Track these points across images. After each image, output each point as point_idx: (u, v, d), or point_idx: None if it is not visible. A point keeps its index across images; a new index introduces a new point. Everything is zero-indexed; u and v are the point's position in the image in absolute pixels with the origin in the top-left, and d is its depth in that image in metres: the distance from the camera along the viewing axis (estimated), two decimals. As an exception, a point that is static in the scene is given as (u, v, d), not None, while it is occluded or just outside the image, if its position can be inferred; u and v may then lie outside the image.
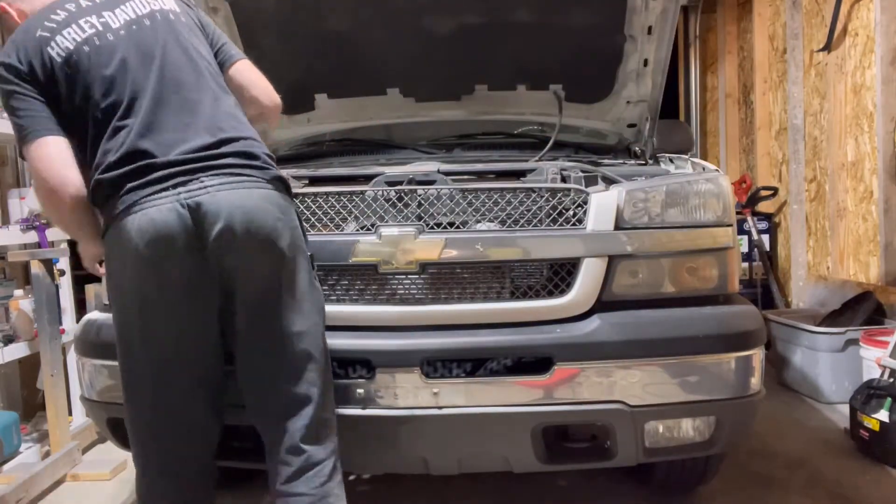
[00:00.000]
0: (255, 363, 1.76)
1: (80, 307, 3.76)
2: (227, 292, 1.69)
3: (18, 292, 3.42)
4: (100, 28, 1.72)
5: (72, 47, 1.69)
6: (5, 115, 3.30)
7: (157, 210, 1.60)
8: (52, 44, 1.69)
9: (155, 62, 1.71)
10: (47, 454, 3.18)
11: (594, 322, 1.96)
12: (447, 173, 2.17)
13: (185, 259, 1.62)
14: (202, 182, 1.62)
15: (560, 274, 2.00)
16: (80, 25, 1.72)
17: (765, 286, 5.09)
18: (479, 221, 2.04)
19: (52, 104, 1.71)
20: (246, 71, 1.90)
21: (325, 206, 2.05)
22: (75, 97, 1.70)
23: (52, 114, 1.71)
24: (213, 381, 1.78)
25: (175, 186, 1.62)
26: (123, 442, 2.18)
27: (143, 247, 1.61)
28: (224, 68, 1.88)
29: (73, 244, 3.59)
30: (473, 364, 1.97)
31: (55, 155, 1.69)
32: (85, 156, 1.71)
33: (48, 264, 3.13)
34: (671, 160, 2.75)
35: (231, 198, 1.63)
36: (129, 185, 1.64)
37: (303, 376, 1.74)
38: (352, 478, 2.80)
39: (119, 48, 1.71)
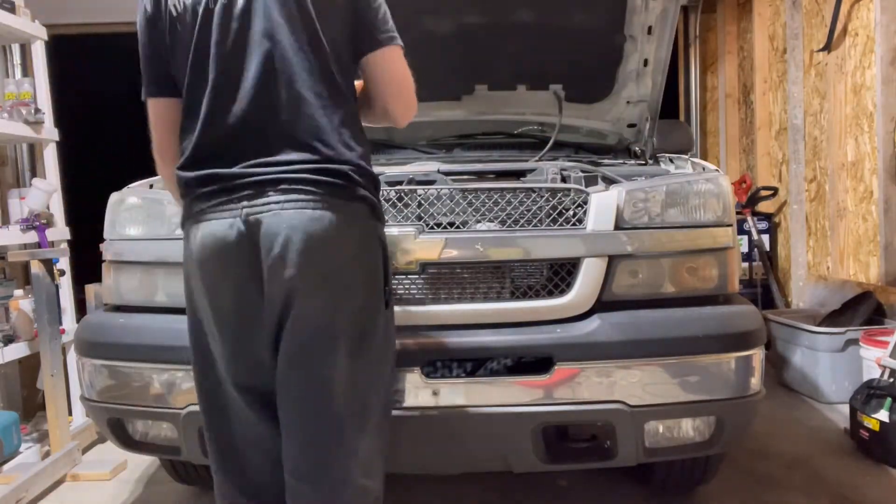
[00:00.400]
0: (286, 412, 1.55)
1: (80, 307, 3.76)
2: (278, 320, 1.50)
3: (18, 292, 3.42)
4: None
5: (188, 2, 1.52)
6: (5, 115, 3.33)
7: (219, 224, 1.48)
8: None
9: (258, 51, 1.48)
10: (47, 454, 3.18)
11: (594, 322, 1.96)
12: (447, 173, 2.17)
13: (240, 277, 1.49)
14: (268, 197, 1.45)
15: (560, 274, 2.00)
16: None
17: (765, 286, 5.09)
18: (479, 221, 2.04)
19: (167, 55, 1.57)
20: (383, 63, 1.59)
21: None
22: (176, 59, 1.55)
23: (167, 66, 1.57)
24: (270, 405, 1.58)
25: (240, 199, 1.46)
26: (123, 442, 2.19)
27: (202, 261, 1.51)
28: (360, 56, 1.59)
29: (73, 244, 3.61)
30: (473, 364, 1.97)
31: (158, 119, 1.63)
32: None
33: (48, 264, 3.13)
34: (671, 160, 2.75)
35: (294, 220, 1.44)
36: (200, 191, 1.52)
37: (336, 439, 1.51)
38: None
39: (224, 22, 1.49)
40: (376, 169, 1.63)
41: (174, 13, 1.53)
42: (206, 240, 1.50)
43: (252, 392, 1.59)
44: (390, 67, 1.61)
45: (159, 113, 1.63)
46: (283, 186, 1.46)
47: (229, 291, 1.52)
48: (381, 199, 1.68)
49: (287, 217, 1.44)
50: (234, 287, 1.51)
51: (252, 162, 1.48)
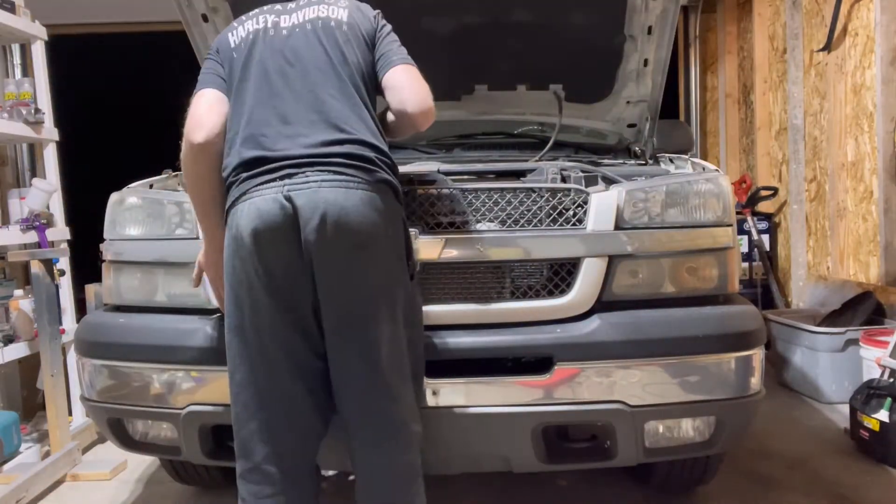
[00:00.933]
0: (340, 370, 1.74)
1: (80, 307, 3.76)
2: (318, 290, 1.69)
3: (18, 292, 3.42)
4: (269, 25, 1.86)
5: (243, 34, 1.88)
6: (5, 115, 3.33)
7: (263, 199, 1.65)
8: (233, 31, 1.90)
9: (298, 63, 1.79)
10: (47, 454, 3.18)
11: (594, 322, 1.96)
12: (447, 173, 2.17)
13: (284, 249, 1.65)
14: (307, 176, 1.65)
15: (560, 274, 2.00)
16: (257, 20, 1.89)
17: (765, 286, 5.09)
18: (479, 221, 2.04)
19: (224, 75, 1.87)
20: (398, 74, 1.86)
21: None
22: (234, 76, 1.84)
23: (223, 80, 1.87)
24: (314, 376, 1.76)
25: (281, 178, 1.66)
26: (123, 442, 2.19)
27: (247, 234, 1.65)
28: (380, 76, 1.88)
29: (73, 244, 3.61)
30: (474, 364, 1.97)
31: (204, 100, 1.83)
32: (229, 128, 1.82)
33: (48, 264, 3.13)
34: (671, 160, 2.75)
35: (330, 195, 1.64)
36: (244, 175, 1.71)
37: (386, 394, 1.73)
38: (351, 477, 2.80)
39: (275, 45, 1.83)
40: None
41: (232, 44, 1.89)
42: (252, 214, 1.65)
43: (294, 358, 1.72)
44: (402, 76, 1.85)
45: (210, 97, 1.85)
46: (319, 168, 1.66)
47: (274, 261, 1.66)
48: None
49: (324, 193, 1.63)
50: (278, 257, 1.66)
51: (291, 144, 1.70)
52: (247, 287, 1.69)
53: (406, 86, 1.83)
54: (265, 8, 1.94)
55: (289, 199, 1.63)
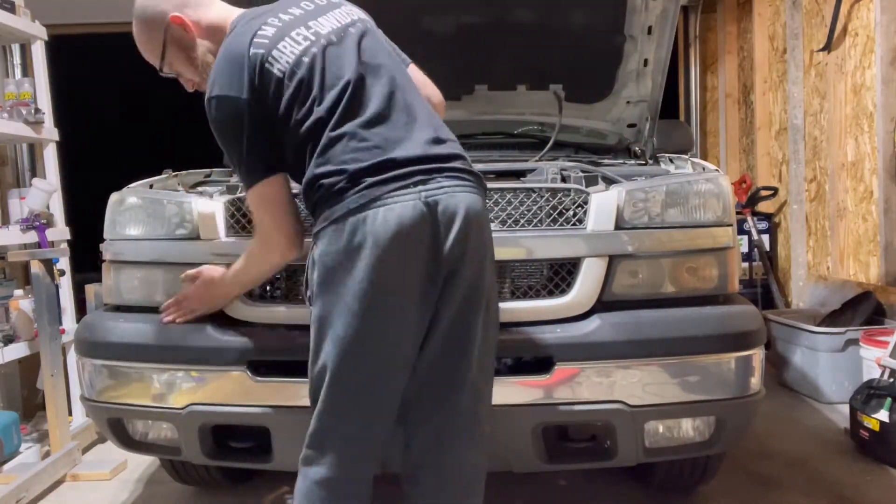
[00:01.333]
0: (434, 369, 1.70)
1: (80, 307, 3.76)
2: (445, 293, 1.66)
3: (18, 292, 3.42)
4: (312, 38, 1.70)
5: (291, 60, 1.66)
6: (5, 115, 3.33)
7: (402, 206, 1.58)
8: (270, 59, 1.65)
9: (381, 69, 1.73)
10: (47, 454, 3.18)
11: (594, 322, 1.96)
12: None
13: (423, 257, 1.60)
14: (440, 182, 1.62)
15: (560, 274, 2.00)
16: (294, 38, 1.69)
17: (765, 286, 5.09)
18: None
19: (269, 126, 1.68)
20: (417, 72, 1.91)
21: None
22: (294, 109, 1.66)
23: (272, 141, 1.69)
24: (402, 385, 1.70)
25: (416, 185, 1.60)
26: (123, 442, 2.19)
27: (385, 241, 1.56)
28: None
29: (73, 244, 3.61)
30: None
31: (280, 199, 1.73)
32: (295, 173, 1.72)
33: (48, 264, 3.13)
34: (671, 160, 2.75)
35: (467, 200, 1.64)
36: (369, 181, 1.59)
37: (473, 392, 1.72)
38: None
39: (340, 55, 1.70)
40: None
41: (279, 75, 1.65)
42: (390, 220, 1.57)
43: (398, 374, 1.67)
44: (420, 73, 1.94)
45: (284, 192, 1.74)
46: (447, 174, 1.65)
47: (412, 270, 1.61)
48: None
49: (462, 199, 1.63)
50: (417, 265, 1.61)
51: (413, 150, 1.65)
52: (370, 297, 1.58)
53: (428, 81, 1.93)
54: (278, 21, 1.72)
55: (427, 204, 1.59)
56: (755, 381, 2.00)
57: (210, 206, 2.11)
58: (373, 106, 1.66)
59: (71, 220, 3.64)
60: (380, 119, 1.66)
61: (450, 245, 1.61)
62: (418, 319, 1.65)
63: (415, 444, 1.75)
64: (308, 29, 1.72)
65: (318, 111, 1.64)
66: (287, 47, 1.67)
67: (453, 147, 1.72)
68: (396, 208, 1.58)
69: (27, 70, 3.82)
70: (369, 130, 1.64)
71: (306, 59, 1.67)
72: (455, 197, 1.62)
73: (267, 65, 1.65)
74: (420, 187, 1.60)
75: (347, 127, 1.63)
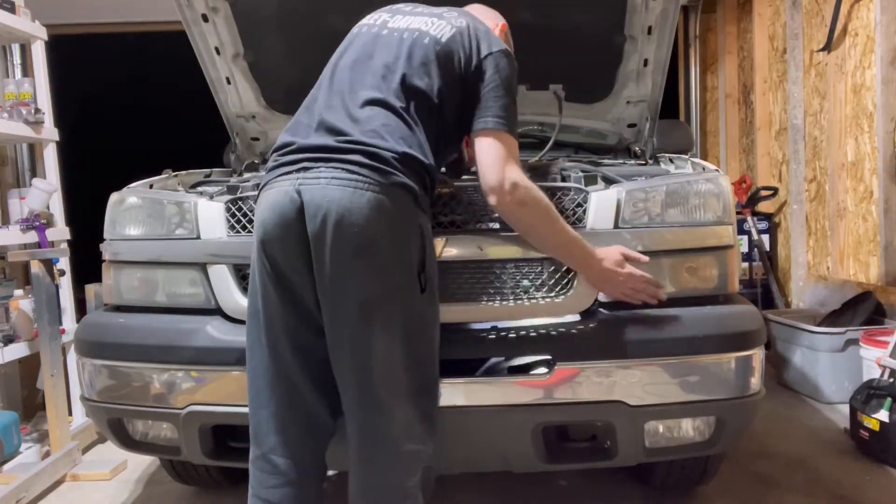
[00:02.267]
0: (336, 373, 1.70)
1: (80, 307, 3.76)
2: (317, 290, 1.65)
3: (18, 292, 3.42)
4: (378, 22, 1.87)
5: (355, 29, 1.91)
6: (5, 115, 3.33)
7: (277, 192, 1.64)
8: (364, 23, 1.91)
9: (369, 61, 1.78)
10: (47, 454, 3.18)
11: (594, 322, 1.96)
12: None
13: (291, 244, 1.62)
14: (320, 172, 1.62)
15: (560, 273, 2.00)
16: (373, 16, 1.92)
17: (765, 286, 5.09)
18: (479, 220, 2.04)
19: None
20: (478, 144, 1.78)
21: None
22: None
23: None
24: (321, 371, 1.71)
25: (298, 171, 1.64)
26: (123, 442, 2.19)
27: (262, 224, 1.65)
28: (469, 131, 1.81)
29: (73, 244, 3.61)
30: (473, 364, 1.97)
31: None
32: None
33: (48, 264, 3.13)
34: (671, 160, 2.75)
35: (336, 194, 1.59)
36: (271, 164, 1.72)
37: (374, 408, 1.66)
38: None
39: (367, 39, 1.83)
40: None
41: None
42: (265, 205, 1.65)
43: (302, 352, 1.70)
44: (482, 147, 1.80)
45: None
46: (333, 163, 1.61)
47: (280, 252, 1.64)
48: (430, 192, 1.79)
49: (331, 192, 1.58)
50: (284, 250, 1.63)
51: (315, 139, 1.68)
52: (261, 275, 1.69)
53: (481, 160, 1.77)
54: (392, 7, 1.94)
55: (299, 193, 1.60)
56: (755, 381, 2.00)
57: (210, 206, 2.11)
58: (330, 94, 1.76)
59: (71, 221, 3.64)
60: (311, 103, 1.78)
61: (311, 238, 1.60)
62: (299, 307, 1.67)
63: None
64: (388, 15, 1.91)
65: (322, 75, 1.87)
66: (366, 19, 1.94)
67: (370, 147, 1.63)
68: (272, 193, 1.65)
69: (27, 70, 3.82)
70: (303, 113, 1.78)
71: (356, 30, 1.93)
72: (325, 190, 1.59)
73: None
74: (299, 175, 1.62)
75: (304, 104, 1.81)
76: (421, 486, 1.74)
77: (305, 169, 1.63)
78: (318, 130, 1.69)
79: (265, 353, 1.72)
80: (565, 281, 1.99)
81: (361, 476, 1.71)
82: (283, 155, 1.70)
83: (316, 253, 1.60)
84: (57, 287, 3.24)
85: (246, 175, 2.86)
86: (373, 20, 1.90)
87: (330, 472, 1.94)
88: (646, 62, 2.79)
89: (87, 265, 3.31)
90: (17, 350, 3.24)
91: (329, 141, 1.66)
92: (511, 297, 2.00)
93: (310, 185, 1.60)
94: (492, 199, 1.77)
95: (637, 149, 3.03)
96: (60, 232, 3.50)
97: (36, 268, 3.09)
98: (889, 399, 2.96)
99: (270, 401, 1.73)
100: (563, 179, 2.21)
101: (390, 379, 1.66)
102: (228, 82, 2.85)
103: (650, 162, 2.88)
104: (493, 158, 1.75)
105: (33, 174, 3.93)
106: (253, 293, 1.73)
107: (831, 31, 4.20)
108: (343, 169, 1.61)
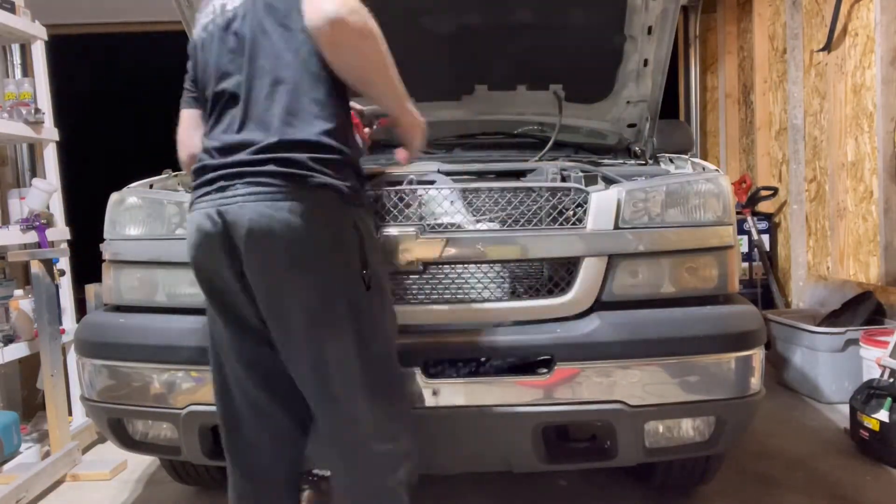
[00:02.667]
0: (295, 380, 1.67)
1: (80, 307, 3.76)
2: (259, 304, 1.61)
3: (18, 292, 3.42)
4: (218, 11, 1.71)
5: (197, 32, 1.76)
6: (5, 115, 3.33)
7: (199, 214, 1.60)
8: (196, 29, 1.78)
9: (240, 51, 1.63)
10: (47, 454, 3.18)
11: (594, 322, 1.96)
12: (447, 173, 2.17)
13: (226, 265, 1.59)
14: (236, 190, 1.55)
15: (560, 273, 2.00)
16: (206, 11, 1.75)
17: (765, 286, 5.09)
18: (479, 221, 2.04)
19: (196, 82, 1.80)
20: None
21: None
22: (198, 79, 1.78)
23: (195, 91, 1.81)
24: (280, 383, 1.68)
25: (216, 191, 1.57)
26: (123, 442, 2.19)
27: (191, 247, 1.64)
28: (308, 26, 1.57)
29: (73, 244, 3.61)
30: (474, 364, 1.97)
31: (182, 122, 1.83)
32: None
33: (48, 264, 3.13)
34: (671, 160, 2.75)
35: (256, 210, 1.51)
36: (193, 183, 1.67)
37: (339, 414, 1.64)
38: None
39: (216, 34, 1.69)
40: (377, 169, 1.65)
41: (192, 45, 1.79)
42: (192, 228, 1.62)
43: (257, 368, 1.68)
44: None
45: (186, 118, 1.85)
46: (248, 179, 1.54)
47: (211, 273, 1.62)
48: (360, 182, 1.68)
49: (250, 208, 1.52)
50: (215, 270, 1.61)
51: (227, 153, 1.59)
52: (206, 296, 1.69)
53: None
54: None
55: (220, 214, 1.54)
56: (755, 381, 2.00)
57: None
58: (221, 100, 1.66)
59: (71, 221, 3.64)
60: (221, 114, 1.66)
61: (243, 259, 1.55)
62: (245, 324, 1.64)
63: None
64: (219, 1, 1.74)
65: (204, 89, 1.78)
66: (201, 19, 1.79)
67: (281, 151, 1.54)
68: (196, 217, 1.61)
69: (27, 70, 3.82)
70: (211, 127, 1.68)
71: (203, 34, 1.78)
72: (244, 208, 1.52)
73: (194, 35, 1.84)
74: (218, 195, 1.56)
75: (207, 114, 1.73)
76: (406, 484, 1.72)
77: (222, 189, 1.56)
78: (224, 144, 1.61)
79: (222, 377, 1.73)
80: (565, 281, 1.99)
81: (341, 481, 1.71)
82: (200, 174, 1.64)
83: (249, 272, 1.56)
84: (57, 287, 3.24)
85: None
86: (208, 18, 1.74)
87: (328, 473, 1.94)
88: (646, 62, 2.80)
89: (87, 265, 3.30)
90: (17, 350, 3.23)
91: (241, 156, 1.56)
92: (511, 298, 2.00)
93: (229, 206, 1.54)
94: (324, 31, 1.51)
95: (637, 149, 3.03)
96: (60, 232, 3.50)
97: (36, 268, 3.09)
98: (889, 399, 2.96)
99: (234, 426, 1.73)
100: (563, 179, 2.21)
101: (349, 385, 1.62)
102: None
103: (650, 162, 2.88)
104: None
105: (33, 174, 3.93)
106: (209, 314, 1.75)
107: (831, 31, 4.20)
108: (258, 183, 1.53)
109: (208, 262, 1.61)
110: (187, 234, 1.65)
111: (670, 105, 6.05)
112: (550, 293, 2.00)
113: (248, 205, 1.52)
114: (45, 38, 3.59)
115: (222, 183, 1.57)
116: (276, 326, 1.60)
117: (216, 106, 1.67)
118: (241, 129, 1.60)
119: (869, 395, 3.07)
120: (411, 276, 1.99)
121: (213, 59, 1.68)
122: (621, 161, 2.94)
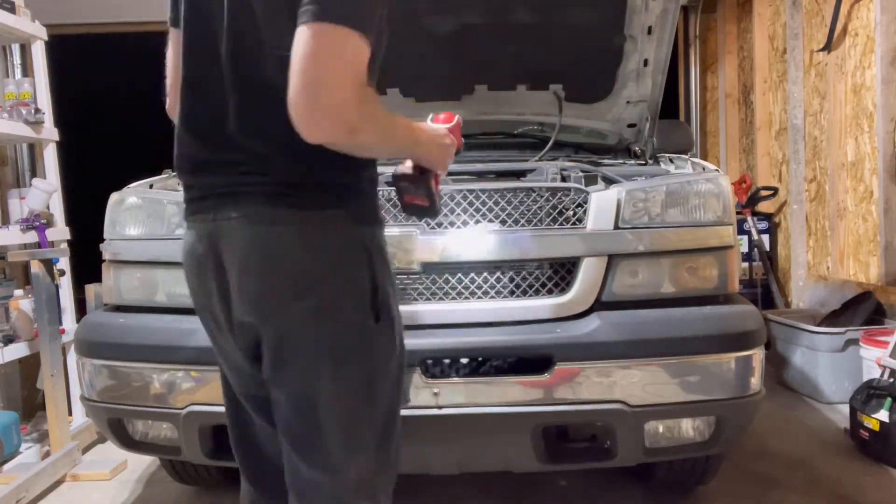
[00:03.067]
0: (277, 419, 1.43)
1: (80, 307, 3.76)
2: (251, 335, 1.40)
3: (18, 292, 3.42)
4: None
5: (179, 8, 1.43)
6: (5, 115, 3.33)
7: (191, 234, 1.42)
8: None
9: (209, 33, 1.34)
10: (47, 454, 3.18)
11: (594, 321, 1.96)
12: (447, 173, 2.17)
13: (211, 290, 1.40)
14: (231, 210, 1.32)
15: (560, 273, 2.00)
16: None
17: (765, 286, 5.09)
18: (479, 221, 2.04)
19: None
20: (298, 42, 1.16)
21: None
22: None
23: None
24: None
25: (209, 210, 1.35)
26: (123, 442, 2.19)
27: (186, 266, 1.46)
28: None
29: (73, 244, 3.61)
30: (474, 364, 1.97)
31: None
32: None
33: (48, 264, 3.13)
34: (671, 160, 2.75)
35: (248, 234, 1.31)
36: (184, 198, 1.45)
37: (321, 462, 1.37)
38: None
39: (193, 15, 1.38)
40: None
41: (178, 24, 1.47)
42: (186, 247, 1.44)
43: (255, 399, 1.51)
44: (302, 42, 1.16)
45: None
46: (244, 198, 1.31)
47: (206, 293, 1.43)
48: (376, 195, 1.47)
49: (247, 233, 1.31)
50: (208, 291, 1.41)
51: (215, 168, 1.36)
52: (198, 310, 1.51)
53: (297, 60, 1.14)
54: None
55: (212, 234, 1.35)
56: (755, 381, 2.00)
57: (210, 205, 2.11)
58: (191, 97, 1.40)
59: (71, 221, 3.64)
60: (195, 120, 1.39)
61: (233, 283, 1.35)
62: (237, 344, 1.43)
63: None
64: None
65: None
66: None
67: (278, 170, 1.30)
68: (188, 236, 1.43)
69: (27, 70, 3.82)
70: (185, 129, 1.40)
71: (183, 11, 1.44)
72: (240, 231, 1.31)
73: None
74: (213, 213, 1.34)
75: (179, 115, 1.43)
76: None
77: (216, 207, 1.34)
78: (205, 158, 1.38)
79: (228, 385, 1.57)
80: (565, 281, 1.99)
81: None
82: (189, 190, 1.43)
83: (238, 301, 1.36)
84: (57, 287, 3.24)
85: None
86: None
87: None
88: (646, 62, 2.80)
89: (87, 265, 3.31)
90: (17, 350, 3.23)
91: (229, 175, 1.34)
92: (511, 298, 2.00)
93: (223, 226, 1.33)
94: (294, 112, 1.17)
95: (637, 149, 3.04)
96: (60, 232, 3.50)
97: (36, 268, 3.08)
98: (889, 399, 2.96)
99: (238, 438, 1.61)
100: (563, 179, 2.22)
101: (347, 433, 1.37)
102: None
103: (650, 162, 2.88)
104: (310, 52, 1.14)
105: (33, 174, 3.92)
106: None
107: (831, 31, 4.20)
108: (257, 204, 1.30)
109: (199, 285, 1.44)
110: (183, 250, 1.46)
111: (670, 105, 6.05)
112: (550, 293, 2.00)
113: (245, 229, 1.32)
114: (45, 38, 3.59)
115: (215, 201, 1.36)
116: (265, 356, 1.37)
117: (184, 95, 1.45)
118: (221, 135, 1.35)
119: (869, 395, 3.07)
120: (411, 276, 1.99)
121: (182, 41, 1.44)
122: (621, 161, 2.94)
